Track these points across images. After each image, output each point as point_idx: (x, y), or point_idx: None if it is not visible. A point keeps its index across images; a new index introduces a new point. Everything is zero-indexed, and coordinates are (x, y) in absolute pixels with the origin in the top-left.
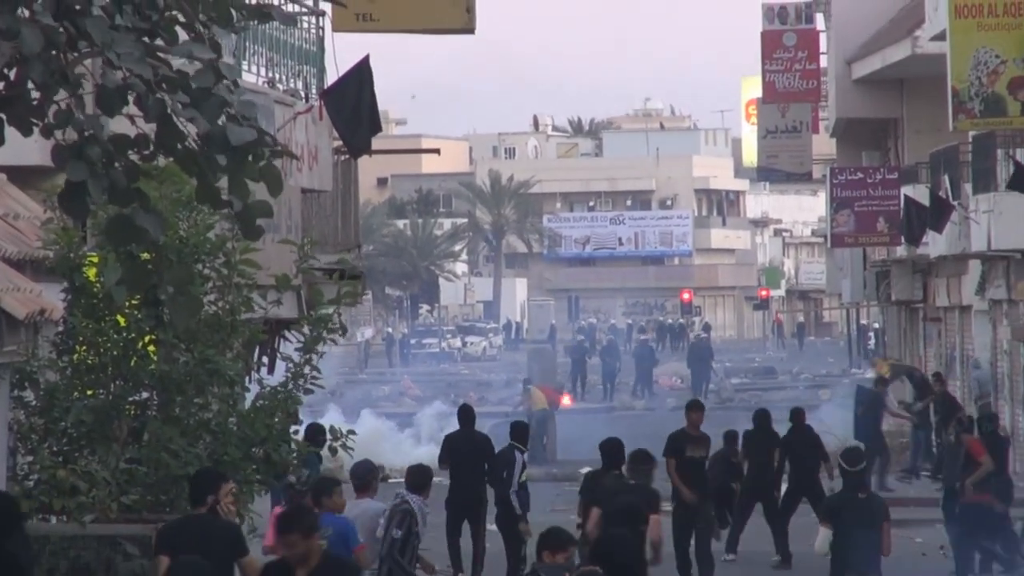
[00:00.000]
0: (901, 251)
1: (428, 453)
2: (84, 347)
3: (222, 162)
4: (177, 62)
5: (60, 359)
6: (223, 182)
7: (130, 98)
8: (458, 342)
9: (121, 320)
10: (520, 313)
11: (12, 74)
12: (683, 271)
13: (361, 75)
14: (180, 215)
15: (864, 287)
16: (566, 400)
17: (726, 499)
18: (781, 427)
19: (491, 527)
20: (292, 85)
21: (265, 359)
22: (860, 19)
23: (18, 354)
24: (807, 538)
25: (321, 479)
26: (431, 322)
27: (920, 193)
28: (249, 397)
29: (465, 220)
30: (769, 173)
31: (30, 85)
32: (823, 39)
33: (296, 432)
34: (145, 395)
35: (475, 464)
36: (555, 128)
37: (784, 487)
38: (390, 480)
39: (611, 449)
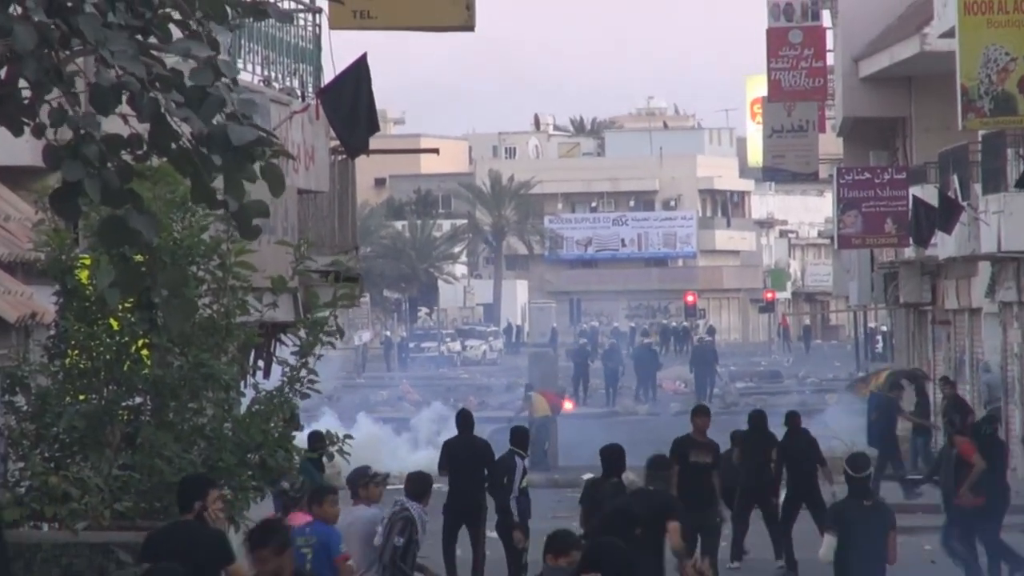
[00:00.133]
0: (909, 252)
1: (427, 457)
2: (76, 351)
3: (218, 162)
4: (171, 60)
5: (52, 363)
6: (218, 182)
7: (123, 97)
8: (458, 346)
9: (114, 324)
10: (521, 316)
11: (3, 73)
12: (687, 273)
13: (359, 73)
14: (174, 216)
15: (872, 289)
16: (567, 405)
17: (730, 501)
18: (783, 432)
19: (491, 534)
20: (288, 84)
21: (261, 363)
22: (867, 16)
23: (9, 358)
24: (808, 545)
25: (314, 487)
26: (430, 325)
27: (929, 193)
28: (244, 402)
29: (465, 221)
30: (775, 173)
31: (21, 84)
32: (830, 36)
33: (294, 438)
34: (138, 400)
35: (474, 470)
36: (556, 127)
37: (783, 494)
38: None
39: (611, 456)
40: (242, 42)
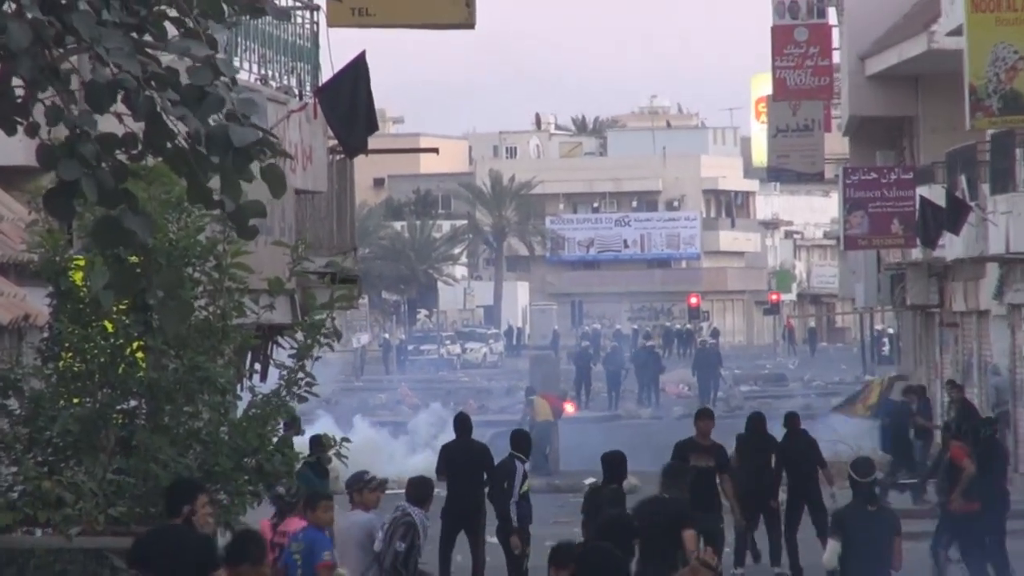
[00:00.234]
0: (916, 254)
1: (424, 461)
2: (70, 354)
3: (216, 161)
4: (166, 59)
5: (45, 366)
6: (214, 182)
7: (118, 96)
8: (457, 348)
9: (108, 326)
10: (522, 318)
11: None
12: (691, 275)
13: (357, 72)
14: (169, 217)
15: (878, 291)
16: (569, 408)
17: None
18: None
19: (492, 539)
20: (285, 82)
21: (257, 366)
22: (874, 13)
23: (2, 361)
24: (807, 549)
25: (309, 492)
26: (429, 327)
27: (936, 194)
28: (241, 405)
29: (465, 222)
30: (780, 173)
31: (14, 82)
32: (835, 34)
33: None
34: (133, 403)
35: (472, 474)
36: (558, 127)
37: (783, 497)
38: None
39: (612, 462)
40: (239, 40)
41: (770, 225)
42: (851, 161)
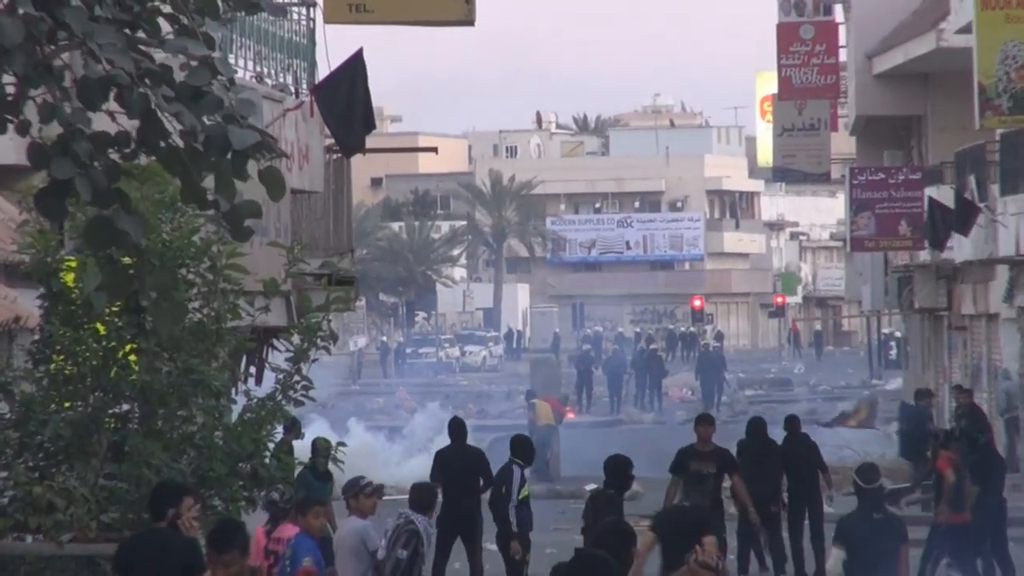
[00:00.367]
0: (924, 256)
1: (421, 464)
2: (62, 356)
3: (212, 161)
4: (160, 56)
5: (36, 369)
6: (208, 181)
7: (111, 93)
8: (456, 351)
9: (101, 328)
10: (522, 321)
11: None
12: (694, 277)
13: (354, 69)
14: (163, 217)
15: (885, 294)
16: (569, 415)
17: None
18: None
19: (491, 547)
20: (281, 80)
21: (252, 369)
22: (881, 11)
23: None
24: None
25: (302, 498)
26: (428, 330)
27: (945, 194)
28: (236, 409)
29: (464, 223)
30: (785, 173)
31: (4, 79)
32: (842, 32)
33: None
34: (126, 407)
35: (467, 479)
36: (559, 125)
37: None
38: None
39: (615, 467)
40: (234, 36)
41: (775, 226)
42: (858, 161)
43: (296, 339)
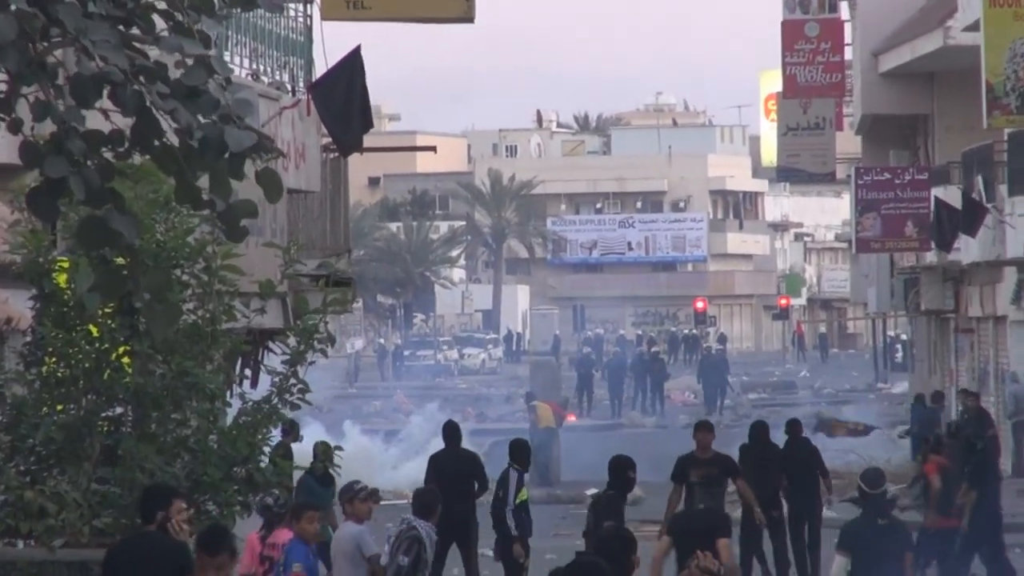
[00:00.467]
0: (931, 257)
1: (417, 467)
2: (54, 359)
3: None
4: (154, 53)
5: (28, 371)
6: (203, 181)
7: (105, 91)
8: (455, 354)
9: (93, 330)
10: (522, 323)
11: None
12: (697, 278)
13: (352, 67)
14: (157, 217)
15: (891, 296)
16: (570, 418)
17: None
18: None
19: (488, 552)
20: (277, 78)
21: (248, 372)
22: (887, 8)
23: None
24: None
25: (296, 503)
26: (426, 332)
27: (952, 195)
28: (231, 413)
29: (463, 223)
30: (790, 173)
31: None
32: (848, 29)
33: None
34: (119, 410)
35: (461, 483)
36: (560, 124)
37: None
38: (384, 501)
39: (617, 468)
40: (229, 33)
41: (779, 227)
42: (863, 161)
43: (292, 341)
